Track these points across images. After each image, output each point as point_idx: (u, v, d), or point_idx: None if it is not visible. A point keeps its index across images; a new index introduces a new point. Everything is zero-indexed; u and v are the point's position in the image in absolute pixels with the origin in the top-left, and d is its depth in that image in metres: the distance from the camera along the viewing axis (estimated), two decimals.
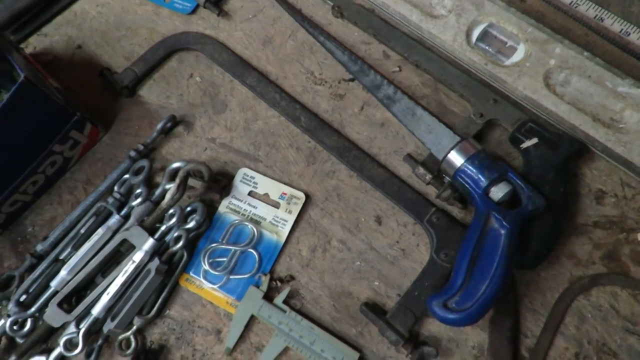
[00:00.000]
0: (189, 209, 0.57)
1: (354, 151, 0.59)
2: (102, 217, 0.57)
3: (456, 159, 0.51)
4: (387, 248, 0.55)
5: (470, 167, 0.50)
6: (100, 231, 0.55)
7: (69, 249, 0.56)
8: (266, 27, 0.68)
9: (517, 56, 0.55)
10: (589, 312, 0.50)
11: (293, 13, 0.67)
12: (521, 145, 0.53)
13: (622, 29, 0.59)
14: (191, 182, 0.55)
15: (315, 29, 0.65)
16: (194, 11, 0.71)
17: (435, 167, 0.54)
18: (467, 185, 0.50)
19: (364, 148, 0.60)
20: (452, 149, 0.52)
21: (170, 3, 0.72)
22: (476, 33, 0.57)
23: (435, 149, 0.54)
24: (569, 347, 0.49)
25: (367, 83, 0.60)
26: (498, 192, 0.49)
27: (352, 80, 0.63)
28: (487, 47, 0.57)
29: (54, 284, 0.53)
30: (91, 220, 0.57)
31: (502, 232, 0.47)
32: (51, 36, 0.72)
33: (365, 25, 0.65)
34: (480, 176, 0.49)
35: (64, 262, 0.55)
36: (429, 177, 0.54)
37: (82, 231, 0.57)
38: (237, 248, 0.56)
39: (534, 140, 0.52)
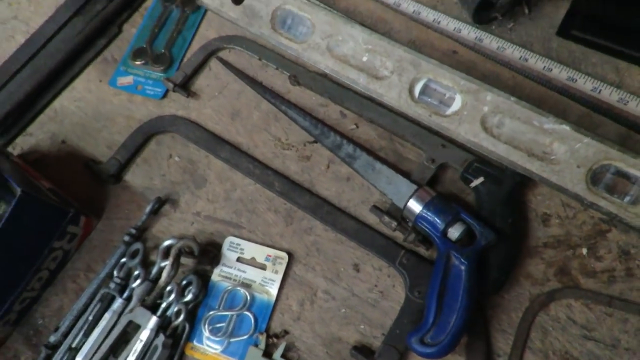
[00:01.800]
0: (184, 282, 0.63)
1: (326, 207, 0.65)
2: (107, 302, 0.63)
3: (415, 206, 0.58)
4: (367, 292, 0.61)
5: (427, 213, 0.57)
6: (107, 316, 0.61)
7: (80, 336, 0.61)
8: (232, 102, 0.75)
9: (456, 105, 0.63)
10: (550, 325, 0.56)
11: (255, 86, 0.74)
12: (470, 185, 0.60)
13: (544, 66, 0.66)
14: (183, 260, 0.61)
15: (276, 99, 0.72)
16: (164, 95, 0.77)
17: (398, 214, 0.61)
18: (427, 229, 0.57)
19: (335, 203, 0.66)
20: (410, 197, 0.58)
21: (142, 90, 0.78)
22: (418, 88, 0.65)
23: (395, 198, 0.61)
24: None
25: (328, 144, 0.67)
26: (454, 232, 0.55)
27: (315, 142, 0.70)
28: (429, 99, 0.65)
29: None
30: (97, 307, 0.62)
31: (462, 268, 0.54)
32: (36, 135, 0.78)
33: (321, 89, 0.72)
34: (437, 220, 0.56)
35: (77, 350, 0.60)
36: (394, 224, 0.60)
37: (90, 318, 0.62)
38: (233, 312, 0.61)
39: (481, 179, 0.59)
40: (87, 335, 0.61)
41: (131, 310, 0.61)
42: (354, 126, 0.70)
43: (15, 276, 0.61)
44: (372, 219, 0.64)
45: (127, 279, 0.64)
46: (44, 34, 0.85)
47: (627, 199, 0.56)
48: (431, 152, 0.64)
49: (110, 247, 0.68)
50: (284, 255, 0.63)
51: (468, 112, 0.62)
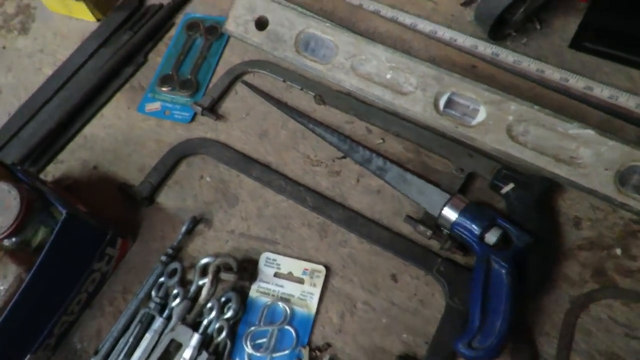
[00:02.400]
0: (223, 299, 0.63)
1: (360, 219, 0.66)
2: (147, 322, 0.63)
3: (450, 214, 0.59)
4: (406, 301, 0.62)
5: (463, 220, 0.58)
6: (148, 336, 0.61)
7: (121, 358, 0.61)
8: (259, 123, 0.77)
9: (481, 116, 0.65)
10: (593, 326, 0.57)
11: (280, 107, 0.77)
12: (501, 191, 0.62)
13: (561, 77, 0.69)
14: (224, 276, 0.62)
15: (303, 117, 0.75)
16: (193, 119, 0.79)
17: (433, 222, 0.62)
18: (464, 236, 0.58)
19: (367, 215, 0.67)
20: (444, 205, 0.60)
21: (170, 115, 0.80)
22: (442, 102, 0.67)
23: (429, 207, 0.62)
24: None
25: (358, 158, 0.69)
26: (492, 237, 0.57)
27: (344, 157, 0.72)
28: (454, 112, 0.67)
29: None
30: (137, 327, 0.63)
31: (503, 271, 0.55)
32: (67, 162, 0.79)
33: (346, 107, 0.74)
34: (473, 226, 0.57)
35: None
36: (429, 232, 0.62)
37: (131, 339, 0.62)
38: (274, 327, 0.62)
39: (511, 185, 0.61)
40: (128, 356, 0.61)
41: (172, 329, 0.61)
42: (381, 140, 0.72)
43: (57, 299, 0.61)
44: (405, 229, 0.66)
45: (166, 298, 0.65)
46: (71, 65, 0.88)
47: None
48: (459, 162, 0.66)
49: (146, 269, 0.69)
50: (321, 268, 0.64)
51: (493, 121, 0.64)
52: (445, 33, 0.76)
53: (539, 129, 0.62)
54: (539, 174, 0.62)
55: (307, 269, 0.65)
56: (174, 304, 0.63)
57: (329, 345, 0.60)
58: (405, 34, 0.77)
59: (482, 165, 0.65)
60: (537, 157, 0.61)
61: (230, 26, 0.82)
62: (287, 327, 0.62)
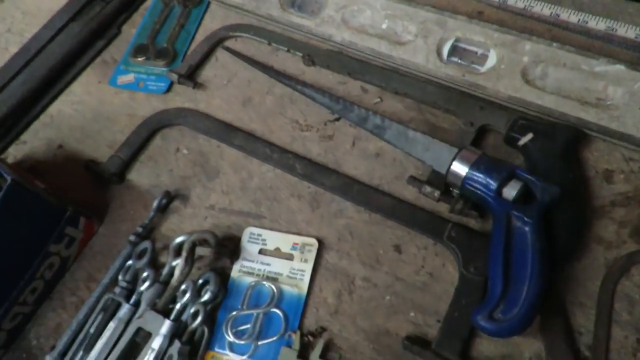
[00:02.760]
0: (201, 281, 0.54)
1: (356, 186, 0.58)
2: (111, 311, 0.54)
3: (460, 168, 0.51)
4: (413, 275, 0.52)
5: (476, 173, 0.49)
6: (111, 325, 0.52)
7: (80, 353, 0.52)
8: (243, 89, 0.69)
9: (491, 62, 0.57)
10: (636, 293, 0.47)
11: (266, 70, 0.69)
12: (518, 143, 0.53)
13: (579, 19, 0.61)
14: (199, 250, 0.53)
15: (291, 80, 0.67)
16: (169, 89, 0.72)
17: (441, 182, 0.53)
18: (478, 192, 0.49)
19: (365, 181, 0.59)
20: (453, 160, 0.51)
21: (144, 87, 0.73)
22: (446, 50, 0.59)
23: (436, 164, 0.53)
24: (628, 335, 0.46)
25: (353, 118, 0.61)
26: (511, 191, 0.48)
27: (337, 119, 0.64)
28: (459, 61, 0.59)
29: None
30: (100, 317, 0.54)
31: (527, 228, 0.46)
32: (30, 143, 0.71)
33: (338, 66, 0.66)
34: (489, 179, 0.49)
35: None
36: (437, 193, 0.53)
37: (92, 330, 0.53)
38: (259, 311, 0.52)
39: (530, 136, 0.53)
40: (89, 349, 0.51)
41: (140, 316, 0.52)
42: (378, 99, 0.64)
43: (5, 285, 0.52)
44: (409, 194, 0.57)
45: (134, 283, 0.56)
46: (39, 41, 0.80)
47: None
48: (468, 116, 0.58)
49: (114, 254, 0.60)
50: (313, 241, 0.55)
51: (506, 66, 0.56)
52: None
53: (560, 69, 0.54)
54: (562, 121, 0.53)
55: (297, 244, 0.56)
56: (142, 288, 0.54)
57: (323, 329, 0.51)
58: None
59: (495, 117, 0.57)
60: (559, 102, 0.53)
61: None
62: (274, 310, 0.52)
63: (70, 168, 0.67)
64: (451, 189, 0.53)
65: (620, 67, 0.51)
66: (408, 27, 0.61)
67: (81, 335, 0.53)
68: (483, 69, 0.57)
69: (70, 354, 0.52)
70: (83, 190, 0.65)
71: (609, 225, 0.51)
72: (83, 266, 0.60)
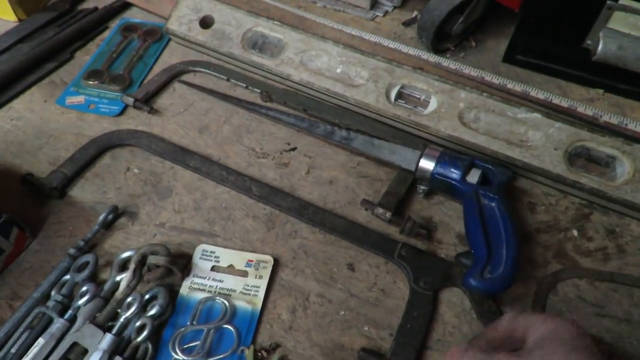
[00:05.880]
0: (148, 295, 0.51)
1: (312, 208, 0.60)
2: (42, 327, 0.48)
3: (427, 164, 0.58)
4: (366, 291, 0.54)
5: (443, 166, 0.57)
6: (41, 341, 0.47)
7: None
8: (200, 118, 0.71)
9: (432, 106, 0.65)
10: (563, 306, 0.53)
11: (227, 99, 0.72)
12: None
13: (500, 82, 0.73)
14: (153, 259, 0.51)
15: (253, 105, 0.70)
16: (122, 113, 0.71)
17: (392, 204, 0.57)
18: (447, 180, 0.57)
19: (320, 205, 0.61)
20: (420, 157, 0.59)
21: (95, 109, 0.72)
22: (394, 93, 0.66)
23: (404, 163, 0.61)
24: None
25: (320, 132, 0.66)
26: (474, 176, 0.57)
27: (293, 149, 0.67)
28: (405, 104, 0.66)
29: None
30: (25, 334, 0.48)
31: (493, 204, 0.55)
32: None
33: (295, 102, 0.71)
34: (453, 169, 0.57)
35: None
36: (388, 214, 0.57)
37: (13, 350, 0.47)
38: (210, 326, 0.50)
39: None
40: None
41: (78, 330, 0.47)
42: None
43: None
44: (362, 217, 0.60)
45: (70, 297, 0.51)
46: None
47: (605, 174, 0.59)
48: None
49: (46, 270, 0.55)
50: (269, 258, 0.56)
51: (445, 109, 0.64)
52: (390, 43, 0.79)
53: (489, 114, 0.63)
54: (493, 158, 0.61)
55: (251, 261, 0.56)
56: (80, 302, 0.50)
57: (277, 345, 0.50)
58: (353, 40, 0.78)
59: None
60: (490, 141, 0.61)
61: (172, 25, 0.78)
62: (226, 325, 0.50)
63: (3, 181, 0.63)
64: (418, 185, 0.60)
65: (537, 115, 0.61)
66: (360, 72, 0.68)
67: (0, 355, 0.47)
68: (426, 112, 0.65)
69: None
70: (15, 204, 0.60)
71: (536, 248, 0.58)
72: (7, 283, 0.54)
